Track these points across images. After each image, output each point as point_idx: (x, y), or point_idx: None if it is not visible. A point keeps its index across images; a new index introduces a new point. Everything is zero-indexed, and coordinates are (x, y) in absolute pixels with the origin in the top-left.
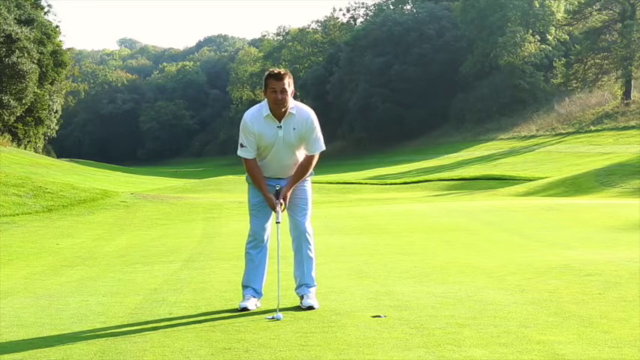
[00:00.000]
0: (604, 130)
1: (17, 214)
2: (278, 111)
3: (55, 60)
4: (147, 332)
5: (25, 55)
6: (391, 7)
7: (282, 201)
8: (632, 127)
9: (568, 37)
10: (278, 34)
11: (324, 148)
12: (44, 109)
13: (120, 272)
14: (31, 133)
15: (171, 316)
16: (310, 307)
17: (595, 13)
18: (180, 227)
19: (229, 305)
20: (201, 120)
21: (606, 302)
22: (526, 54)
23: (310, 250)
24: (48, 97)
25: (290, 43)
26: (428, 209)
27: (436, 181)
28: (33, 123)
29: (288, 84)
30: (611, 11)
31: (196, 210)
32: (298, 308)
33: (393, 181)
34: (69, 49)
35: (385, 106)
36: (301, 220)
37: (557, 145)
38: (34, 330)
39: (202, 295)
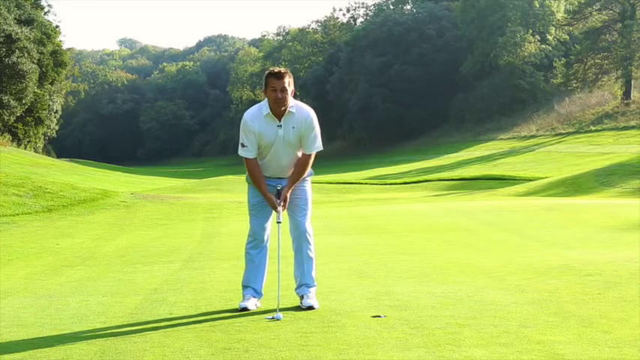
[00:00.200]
0: (604, 130)
1: (17, 214)
2: (278, 110)
3: (55, 60)
4: (147, 332)
5: (25, 55)
6: (391, 7)
7: (282, 201)
8: (632, 127)
9: (568, 37)
10: (278, 34)
11: (321, 148)
12: (44, 109)
13: (120, 272)
14: (31, 133)
15: (172, 316)
16: (310, 307)
17: (595, 13)
18: (180, 227)
19: (229, 305)
20: (201, 120)
21: (606, 302)
22: (526, 54)
23: (310, 250)
24: (48, 97)
25: (290, 43)
26: (428, 209)
27: (436, 181)
28: (33, 123)
29: (289, 83)
30: (611, 11)
31: (196, 210)
32: (298, 308)
33: (393, 181)
34: (69, 49)
35: (385, 106)
36: (301, 220)
37: (557, 145)
38: (34, 330)
39: (202, 295)
